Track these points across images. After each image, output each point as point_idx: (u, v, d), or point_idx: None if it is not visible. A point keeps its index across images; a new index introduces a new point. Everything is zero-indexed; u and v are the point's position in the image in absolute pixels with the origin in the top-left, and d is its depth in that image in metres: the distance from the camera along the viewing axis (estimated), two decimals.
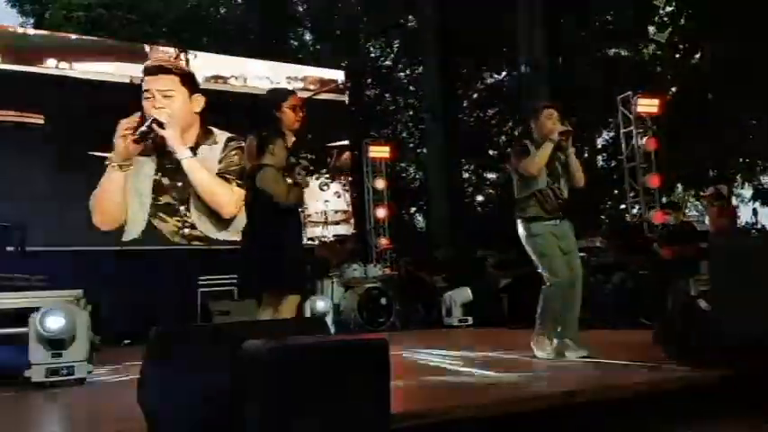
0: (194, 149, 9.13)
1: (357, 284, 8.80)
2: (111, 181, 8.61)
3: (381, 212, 11.15)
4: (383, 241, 10.97)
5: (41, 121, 8.42)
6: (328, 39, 18.72)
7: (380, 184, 11.21)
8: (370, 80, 19.83)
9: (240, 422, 1.85)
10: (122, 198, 8.65)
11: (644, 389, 2.77)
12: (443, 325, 8.67)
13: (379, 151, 11.44)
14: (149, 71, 9.17)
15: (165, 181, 8.96)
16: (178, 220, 8.98)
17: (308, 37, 19.73)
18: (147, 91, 8.99)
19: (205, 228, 9.12)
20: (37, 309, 3.85)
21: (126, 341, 7.70)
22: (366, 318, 8.50)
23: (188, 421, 2.01)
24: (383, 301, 8.71)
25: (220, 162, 9.31)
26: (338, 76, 11.32)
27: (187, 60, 9.59)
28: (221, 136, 9.41)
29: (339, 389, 1.86)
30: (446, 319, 8.73)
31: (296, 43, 19.10)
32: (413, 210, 19.64)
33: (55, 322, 3.78)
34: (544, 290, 4.26)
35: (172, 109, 8.98)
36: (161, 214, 8.90)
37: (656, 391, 2.77)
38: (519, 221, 4.35)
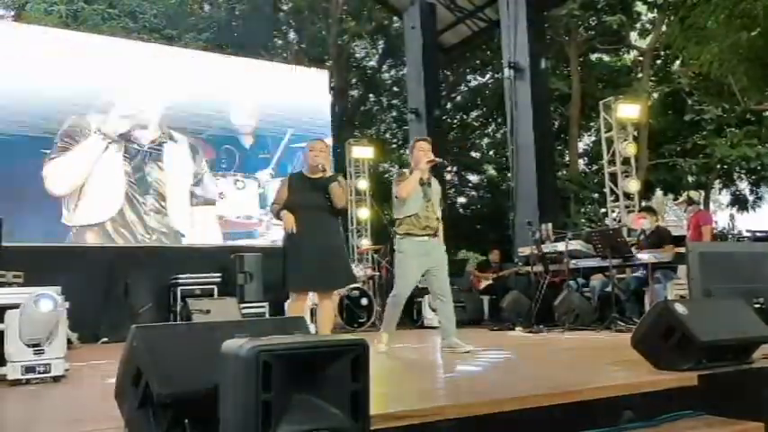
0: (158, 147, 9.11)
1: None
2: None
3: (363, 213, 11.15)
4: (365, 242, 10.97)
5: None
6: (312, 39, 18.68)
7: (363, 184, 11.20)
8: (354, 80, 19.83)
9: (220, 421, 1.84)
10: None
11: (622, 391, 2.79)
12: (424, 325, 8.69)
13: (362, 151, 11.44)
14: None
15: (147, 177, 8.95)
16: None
17: (291, 36, 19.67)
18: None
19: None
20: (14, 306, 3.80)
21: (104, 339, 7.63)
22: (347, 318, 8.52)
23: (167, 421, 1.99)
24: (364, 301, 8.73)
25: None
26: (321, 76, 11.26)
27: None
28: (182, 139, 9.35)
29: (318, 389, 1.86)
30: (426, 319, 8.75)
31: (280, 42, 19.05)
32: None
33: (47, 305, 3.73)
34: (389, 299, 5.05)
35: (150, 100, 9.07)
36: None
37: (634, 393, 2.80)
38: (394, 237, 5.07)
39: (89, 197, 8.55)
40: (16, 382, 3.73)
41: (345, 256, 4.91)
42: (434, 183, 5.17)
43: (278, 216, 4.59)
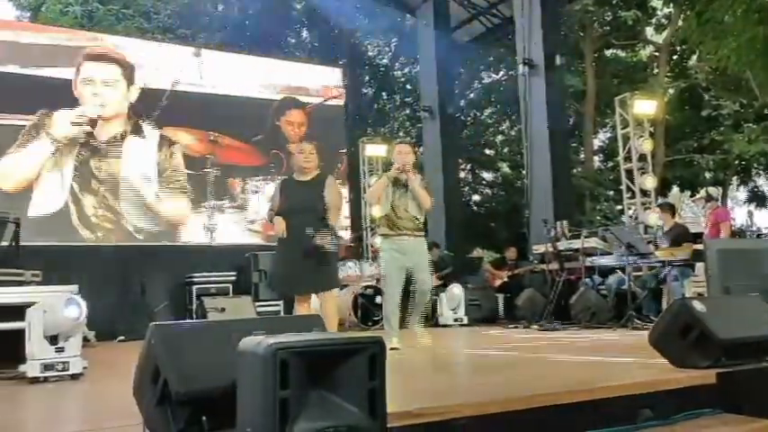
0: (122, 139, 9.01)
1: (352, 282, 8.79)
2: None
3: (377, 211, 11.14)
4: (378, 240, 10.95)
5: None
6: (325, 37, 18.68)
7: None
8: (367, 78, 19.82)
9: (237, 419, 1.85)
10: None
11: (639, 389, 2.77)
12: (438, 324, 8.67)
13: (376, 150, 11.43)
14: (91, 57, 9.06)
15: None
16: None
17: (305, 35, 19.69)
18: (88, 78, 8.93)
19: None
20: (33, 304, 3.84)
21: (120, 337, 7.69)
22: (361, 316, 8.51)
23: (185, 418, 2.00)
24: (378, 299, 8.71)
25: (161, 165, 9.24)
26: (336, 74, 11.28)
27: None
28: (152, 133, 9.26)
29: (335, 386, 1.86)
30: (441, 318, 8.74)
31: (293, 40, 19.07)
32: None
33: (74, 311, 3.76)
34: (383, 297, 5.38)
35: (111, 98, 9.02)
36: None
37: (652, 391, 2.78)
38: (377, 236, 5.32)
39: (42, 192, 8.44)
40: (35, 380, 3.77)
41: (332, 259, 4.72)
42: (416, 183, 5.16)
43: (272, 221, 4.68)
